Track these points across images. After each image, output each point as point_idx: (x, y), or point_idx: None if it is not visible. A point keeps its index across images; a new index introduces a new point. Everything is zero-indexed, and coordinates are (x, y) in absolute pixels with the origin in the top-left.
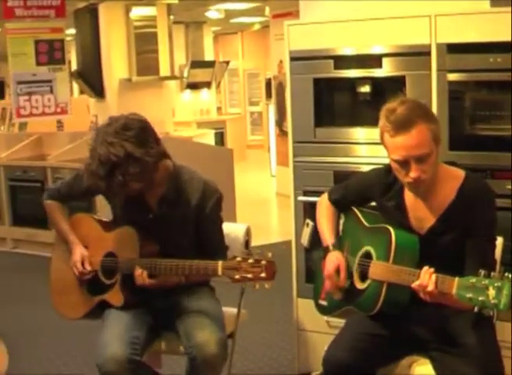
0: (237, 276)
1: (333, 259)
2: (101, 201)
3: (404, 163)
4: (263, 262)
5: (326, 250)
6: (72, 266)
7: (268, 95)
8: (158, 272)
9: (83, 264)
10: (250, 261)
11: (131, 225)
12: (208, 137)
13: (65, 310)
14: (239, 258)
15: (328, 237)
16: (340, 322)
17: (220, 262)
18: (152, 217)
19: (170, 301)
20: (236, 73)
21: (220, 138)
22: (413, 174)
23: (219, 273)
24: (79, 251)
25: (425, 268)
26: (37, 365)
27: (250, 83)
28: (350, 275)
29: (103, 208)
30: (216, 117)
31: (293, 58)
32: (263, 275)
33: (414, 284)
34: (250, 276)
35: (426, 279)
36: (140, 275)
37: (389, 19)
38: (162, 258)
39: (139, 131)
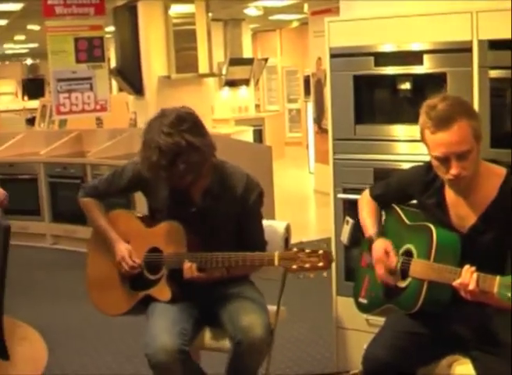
0: (294, 266)
1: (380, 245)
2: (140, 197)
3: (445, 160)
4: (320, 252)
5: (370, 240)
6: (120, 261)
7: (307, 92)
8: (210, 265)
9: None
10: (307, 251)
11: (173, 220)
12: (247, 134)
13: (107, 307)
14: (295, 249)
15: (371, 228)
16: (379, 320)
17: (277, 253)
18: (195, 211)
19: (214, 295)
20: (274, 70)
21: (258, 135)
22: (453, 171)
23: (276, 263)
24: (123, 247)
25: (467, 266)
26: (77, 361)
27: (288, 81)
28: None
29: (142, 204)
30: (255, 114)
31: (333, 55)
32: (320, 264)
33: (456, 283)
34: (307, 265)
35: (467, 277)
36: (190, 268)
37: (430, 15)
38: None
39: (193, 123)
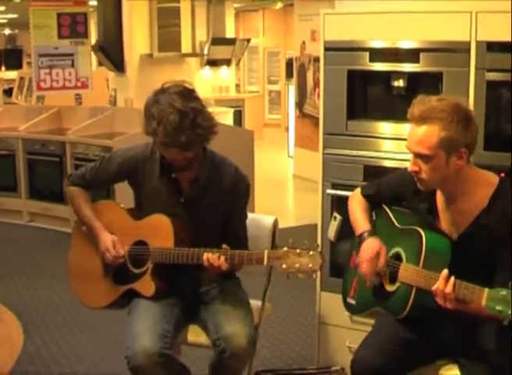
0: (284, 266)
1: (371, 245)
2: (121, 188)
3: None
4: (311, 253)
5: (361, 237)
6: (104, 251)
7: (288, 75)
8: (196, 261)
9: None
10: (298, 251)
11: (161, 210)
12: (228, 116)
13: (90, 299)
14: (285, 248)
15: (363, 225)
16: (362, 318)
17: (266, 251)
18: (183, 201)
19: (198, 292)
20: (255, 51)
21: (238, 116)
22: (409, 166)
23: (265, 262)
24: (108, 237)
25: (444, 272)
26: (53, 344)
27: (269, 62)
28: (378, 276)
29: (123, 196)
30: (235, 95)
31: (327, 49)
32: (310, 265)
33: (433, 288)
34: (297, 266)
35: (443, 283)
36: (217, 259)
37: (429, 13)
38: (192, 246)
39: (197, 94)
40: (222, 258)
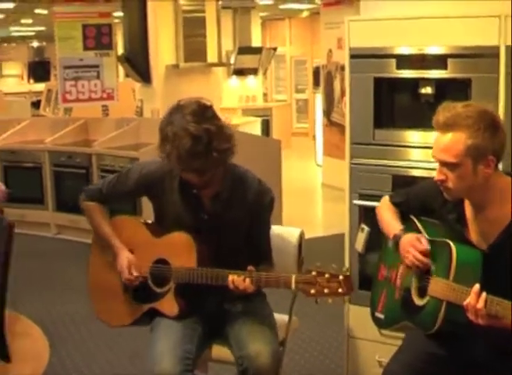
0: (312, 291)
1: (409, 237)
2: (147, 203)
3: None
4: (341, 277)
5: (397, 238)
6: (119, 271)
7: (316, 83)
8: (221, 282)
9: (129, 270)
10: (327, 275)
11: (183, 227)
12: (255, 126)
13: (110, 318)
14: (314, 273)
15: (395, 226)
16: (392, 332)
17: (294, 276)
18: (207, 218)
19: (222, 309)
20: (283, 60)
21: (266, 125)
22: (436, 175)
23: (292, 286)
24: (125, 256)
25: (476, 287)
26: (79, 358)
27: (296, 70)
28: (407, 290)
29: (149, 211)
30: (262, 104)
31: (353, 56)
32: (340, 290)
33: (465, 302)
34: (326, 291)
35: (474, 298)
36: (243, 281)
37: (457, 18)
38: (215, 263)
39: (214, 112)
40: (248, 280)
